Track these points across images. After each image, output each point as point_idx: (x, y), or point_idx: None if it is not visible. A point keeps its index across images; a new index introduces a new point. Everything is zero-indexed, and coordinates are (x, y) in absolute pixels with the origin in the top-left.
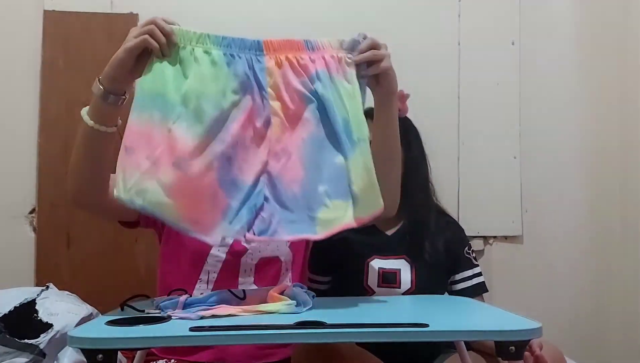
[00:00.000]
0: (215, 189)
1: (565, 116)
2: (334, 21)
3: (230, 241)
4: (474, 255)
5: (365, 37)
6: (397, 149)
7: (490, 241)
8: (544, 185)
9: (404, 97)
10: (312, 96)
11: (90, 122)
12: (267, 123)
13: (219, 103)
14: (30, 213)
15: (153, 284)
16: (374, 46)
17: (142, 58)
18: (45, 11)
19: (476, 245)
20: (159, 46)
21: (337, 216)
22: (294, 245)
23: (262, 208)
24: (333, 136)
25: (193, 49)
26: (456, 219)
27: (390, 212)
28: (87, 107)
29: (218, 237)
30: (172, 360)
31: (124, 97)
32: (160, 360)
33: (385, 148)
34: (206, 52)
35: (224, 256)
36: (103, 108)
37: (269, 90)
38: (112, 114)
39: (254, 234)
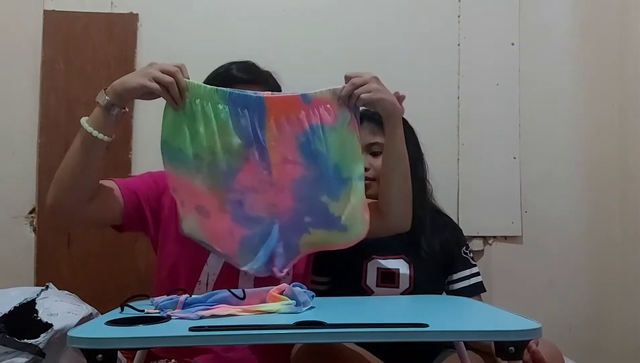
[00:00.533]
0: (231, 227)
1: (564, 117)
2: (334, 21)
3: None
4: (471, 254)
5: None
6: (405, 167)
7: (490, 241)
8: (544, 186)
9: (399, 98)
10: (304, 148)
11: (90, 129)
12: (269, 171)
13: (227, 157)
14: (30, 213)
15: (153, 284)
16: (352, 77)
17: (150, 93)
18: (45, 11)
19: (476, 245)
20: (173, 100)
21: (316, 240)
22: None
23: (277, 246)
24: (323, 179)
25: (203, 104)
26: (456, 220)
27: (404, 227)
28: (87, 117)
29: (242, 265)
30: (172, 361)
31: (125, 110)
32: (161, 360)
33: (392, 166)
34: (214, 108)
35: (223, 258)
36: (105, 118)
37: (268, 144)
38: (112, 124)
39: (280, 270)
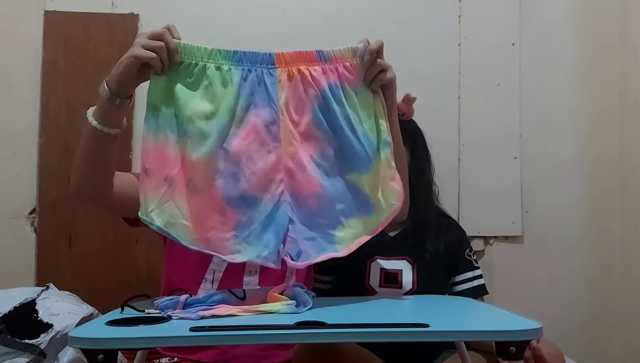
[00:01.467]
0: (222, 206)
1: (565, 117)
2: (334, 22)
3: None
4: (474, 257)
5: (368, 43)
6: (402, 157)
7: (491, 241)
8: (545, 186)
9: (410, 100)
10: (324, 112)
11: (95, 123)
12: (276, 137)
13: (222, 122)
14: (31, 213)
15: (153, 284)
16: (380, 54)
17: (147, 66)
18: (45, 11)
19: (476, 245)
20: (162, 66)
21: (354, 234)
22: None
23: (288, 229)
24: (348, 151)
25: (205, 66)
26: (456, 220)
27: (401, 216)
28: (93, 108)
29: (235, 254)
30: (175, 358)
31: (129, 100)
32: (164, 359)
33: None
34: (218, 68)
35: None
36: (109, 110)
37: (280, 105)
38: (118, 116)
39: (292, 259)
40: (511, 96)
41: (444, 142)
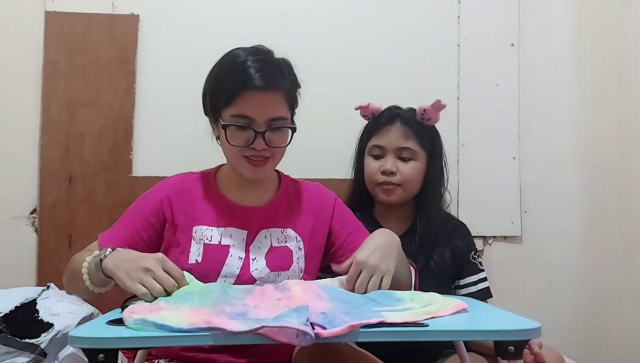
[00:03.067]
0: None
1: (564, 117)
2: (334, 23)
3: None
4: (479, 259)
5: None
6: (407, 271)
7: (490, 241)
8: (543, 186)
9: (439, 107)
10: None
11: (88, 282)
12: (285, 288)
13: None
14: (32, 213)
15: None
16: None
17: None
18: (46, 12)
19: (476, 245)
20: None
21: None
22: (305, 277)
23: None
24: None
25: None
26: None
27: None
28: (91, 257)
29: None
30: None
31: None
32: (162, 360)
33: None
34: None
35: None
36: (101, 279)
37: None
38: (108, 282)
39: (323, 328)
40: (510, 97)
41: (443, 142)
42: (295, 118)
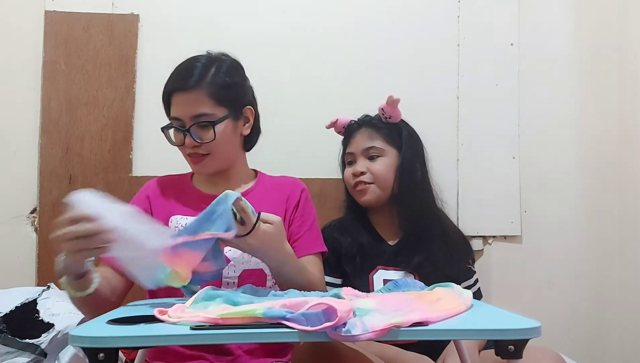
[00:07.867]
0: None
1: (564, 117)
2: (333, 23)
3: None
4: (473, 263)
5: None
6: (294, 264)
7: (490, 241)
8: (543, 185)
9: (394, 101)
10: None
11: (72, 292)
12: None
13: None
14: (32, 213)
15: None
16: None
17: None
18: (46, 12)
19: (475, 244)
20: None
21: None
22: None
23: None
24: None
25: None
26: (455, 219)
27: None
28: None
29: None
30: None
31: (85, 272)
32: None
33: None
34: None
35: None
36: (74, 284)
37: None
38: (84, 283)
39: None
40: (510, 96)
41: (442, 142)
42: (291, 116)
